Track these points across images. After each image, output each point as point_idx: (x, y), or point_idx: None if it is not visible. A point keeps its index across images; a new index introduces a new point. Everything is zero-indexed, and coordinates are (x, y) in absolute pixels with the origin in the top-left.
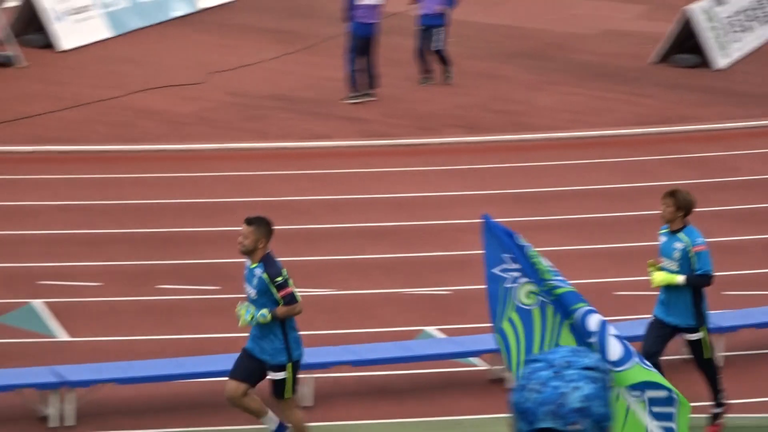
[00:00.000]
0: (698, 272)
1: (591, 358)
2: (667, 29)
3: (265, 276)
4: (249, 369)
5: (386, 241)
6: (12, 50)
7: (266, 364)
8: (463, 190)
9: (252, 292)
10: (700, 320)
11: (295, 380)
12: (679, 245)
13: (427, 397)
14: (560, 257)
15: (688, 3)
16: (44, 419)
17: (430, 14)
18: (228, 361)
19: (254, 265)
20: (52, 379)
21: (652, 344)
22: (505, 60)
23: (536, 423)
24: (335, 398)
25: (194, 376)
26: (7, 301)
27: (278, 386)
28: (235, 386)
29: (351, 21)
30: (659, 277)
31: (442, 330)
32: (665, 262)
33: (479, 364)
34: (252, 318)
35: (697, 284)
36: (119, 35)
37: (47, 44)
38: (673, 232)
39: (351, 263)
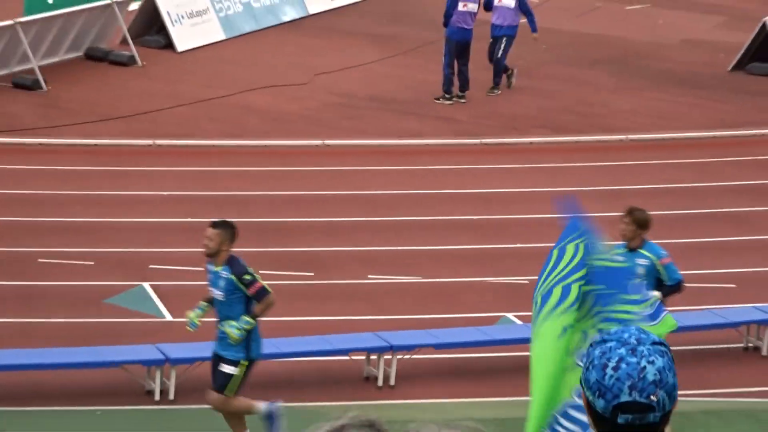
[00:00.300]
0: (671, 282)
1: (653, 335)
2: (744, 39)
3: (232, 277)
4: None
5: (472, 233)
6: (132, 51)
7: (221, 357)
8: (546, 187)
9: (220, 295)
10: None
11: (243, 379)
12: (643, 261)
13: (504, 378)
14: None
15: (767, 15)
16: (149, 393)
17: (502, 25)
18: (318, 342)
19: (219, 268)
20: (156, 356)
21: None
22: (589, 66)
23: (617, 398)
24: (416, 379)
25: (287, 356)
26: (119, 284)
27: (225, 379)
28: (216, 396)
29: (448, 26)
30: None
31: (520, 317)
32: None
33: None
34: (239, 330)
35: (671, 293)
36: (232, 38)
37: (165, 45)
38: (632, 250)
39: (438, 253)
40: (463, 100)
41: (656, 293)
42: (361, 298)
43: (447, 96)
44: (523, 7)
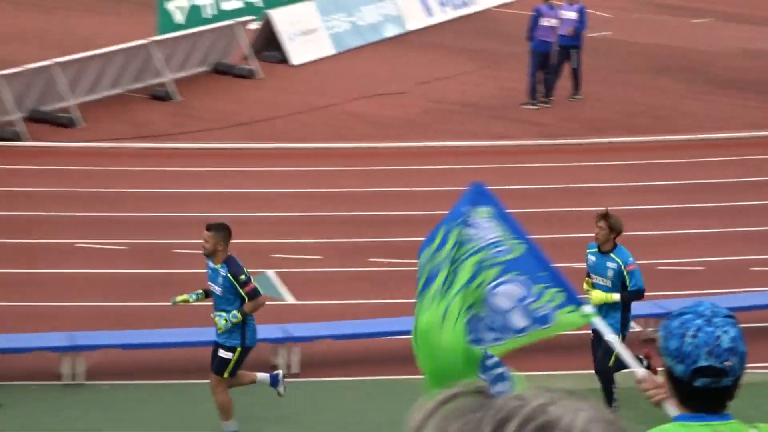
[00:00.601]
0: (632, 288)
1: (724, 309)
2: None
3: (229, 276)
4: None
5: (558, 224)
6: (253, 65)
7: (220, 344)
8: (623, 182)
9: (218, 290)
10: (622, 328)
11: (237, 363)
12: (612, 265)
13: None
14: (702, 238)
15: None
16: (274, 368)
17: (566, 36)
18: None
19: (218, 266)
20: (281, 335)
21: (601, 360)
22: (659, 73)
23: (696, 363)
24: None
25: (394, 334)
26: None
27: (222, 363)
28: (214, 377)
29: (532, 40)
30: (598, 297)
31: None
32: (598, 280)
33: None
34: (226, 322)
35: (632, 300)
36: (341, 52)
37: (282, 60)
38: (604, 252)
39: (556, 241)
40: (547, 105)
41: (617, 296)
42: None
43: (532, 102)
44: (581, 17)
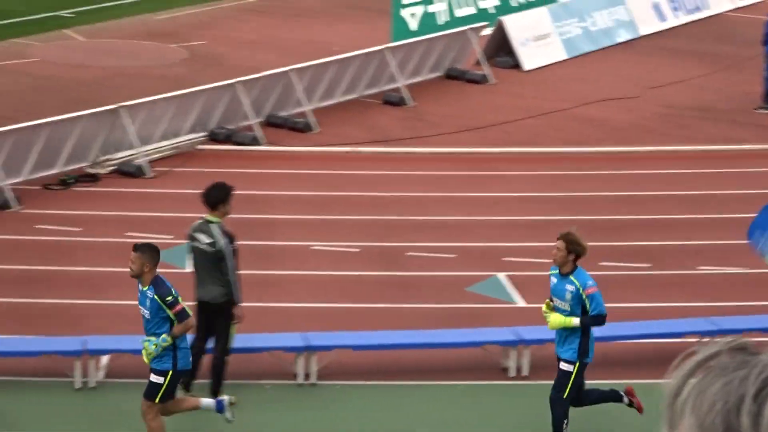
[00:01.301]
0: (593, 313)
1: None
2: None
3: (156, 297)
4: None
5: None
6: (485, 70)
7: (153, 369)
8: None
9: (147, 313)
10: (581, 356)
11: (169, 388)
12: (570, 288)
13: None
14: None
15: None
16: (504, 370)
17: None
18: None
19: (145, 288)
20: (511, 337)
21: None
22: None
23: None
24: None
25: (626, 338)
26: (477, 274)
27: (153, 388)
28: (143, 402)
29: (767, 44)
30: (556, 321)
31: None
32: (557, 303)
33: None
34: (156, 347)
35: (592, 325)
36: (572, 57)
37: (514, 65)
38: (564, 275)
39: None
40: None
41: (576, 320)
42: (693, 286)
43: (766, 106)
44: None
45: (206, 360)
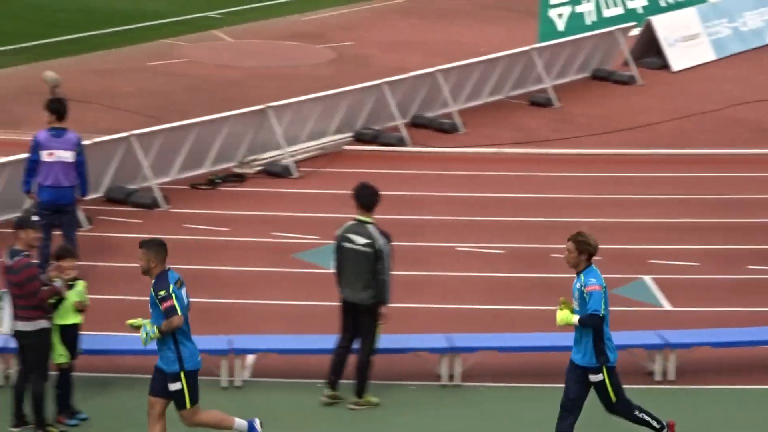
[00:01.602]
0: (588, 311)
1: None
2: None
3: (151, 290)
4: (158, 381)
5: None
6: (633, 71)
7: (165, 373)
8: None
9: (151, 307)
10: (600, 360)
11: (192, 390)
12: (577, 285)
13: None
14: None
15: None
16: (650, 374)
17: None
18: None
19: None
20: (657, 341)
21: (570, 389)
22: None
23: None
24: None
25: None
26: (623, 276)
27: (178, 397)
28: (152, 401)
29: None
30: (559, 316)
31: None
32: (573, 302)
33: None
34: (146, 335)
35: (586, 324)
36: (721, 58)
37: (662, 66)
38: (578, 273)
39: None
40: None
41: (575, 318)
42: None
43: None
44: None
45: (351, 360)
